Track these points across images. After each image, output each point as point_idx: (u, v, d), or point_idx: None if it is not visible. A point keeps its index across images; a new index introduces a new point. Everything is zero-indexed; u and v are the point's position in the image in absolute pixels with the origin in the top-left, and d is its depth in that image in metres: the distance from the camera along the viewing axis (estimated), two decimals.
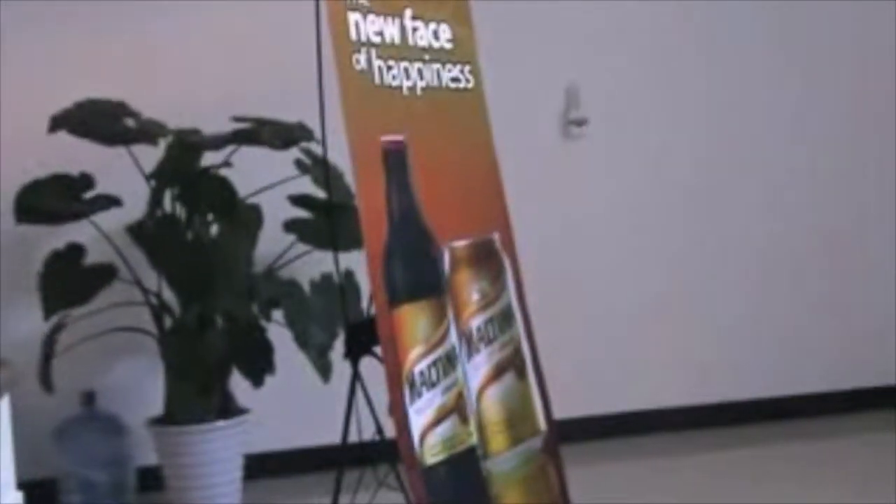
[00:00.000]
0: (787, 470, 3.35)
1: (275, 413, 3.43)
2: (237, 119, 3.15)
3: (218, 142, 3.10)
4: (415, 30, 2.57)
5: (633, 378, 3.84)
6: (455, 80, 2.68)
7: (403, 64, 2.53)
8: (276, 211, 3.20)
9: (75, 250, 3.12)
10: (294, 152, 3.16)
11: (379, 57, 2.46)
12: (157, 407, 3.21)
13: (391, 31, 2.50)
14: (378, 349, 2.40)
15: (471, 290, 2.53)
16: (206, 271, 3.06)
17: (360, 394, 2.63)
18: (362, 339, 2.58)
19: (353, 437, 2.66)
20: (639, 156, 3.87)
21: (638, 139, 3.87)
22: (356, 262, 2.75)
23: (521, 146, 3.56)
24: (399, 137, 2.45)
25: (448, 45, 2.67)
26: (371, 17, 2.45)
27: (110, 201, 3.11)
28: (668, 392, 3.85)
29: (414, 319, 2.37)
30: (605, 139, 3.83)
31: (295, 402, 3.49)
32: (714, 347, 3.90)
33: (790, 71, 3.92)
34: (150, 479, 3.27)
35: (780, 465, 3.41)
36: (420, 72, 2.57)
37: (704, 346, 3.89)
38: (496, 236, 2.66)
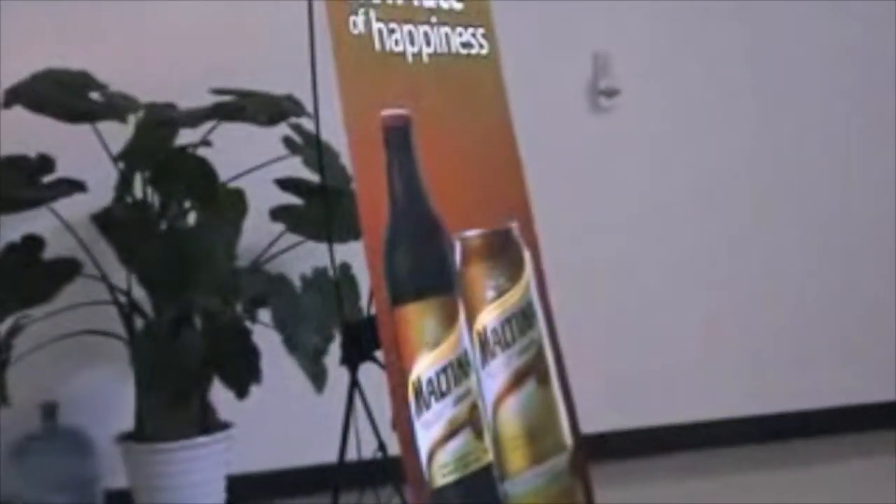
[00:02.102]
0: (849, 489, 3.35)
1: (262, 428, 3.44)
2: (217, 91, 3.16)
3: (195, 117, 3.11)
4: None
5: (673, 387, 3.84)
6: (466, 45, 2.68)
7: (407, 27, 2.53)
8: (263, 196, 3.21)
9: (33, 242, 3.13)
10: (282, 129, 3.17)
11: (379, 19, 2.47)
12: (127, 421, 3.23)
13: None
14: (379, 354, 2.41)
15: (486, 287, 2.53)
16: (182, 266, 3.07)
17: (359, 405, 2.64)
18: (361, 342, 2.58)
19: (351, 455, 2.67)
20: (680, 131, 3.87)
21: (678, 112, 3.87)
22: (354, 254, 2.76)
23: (543, 121, 3.57)
24: (402, 111, 2.45)
25: (458, 6, 2.67)
26: None
27: (73, 186, 3.12)
28: (713, 403, 3.85)
29: (420, 320, 2.37)
30: (639, 112, 3.83)
31: (284, 415, 3.50)
32: (768, 353, 3.90)
33: (847, 41, 3.91)
34: (120, 503, 3.29)
35: (841, 484, 3.41)
36: (426, 36, 2.57)
37: (757, 351, 3.89)
38: (514, 225, 2.66)
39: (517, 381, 2.54)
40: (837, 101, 3.93)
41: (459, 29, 2.66)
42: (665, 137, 3.87)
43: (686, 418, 3.85)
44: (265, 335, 3.10)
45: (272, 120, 3.12)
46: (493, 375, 2.50)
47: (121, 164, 3.19)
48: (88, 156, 3.15)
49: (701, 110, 3.89)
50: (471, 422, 2.39)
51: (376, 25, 2.46)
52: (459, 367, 2.40)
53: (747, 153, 3.92)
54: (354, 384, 2.63)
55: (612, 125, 3.84)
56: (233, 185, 3.23)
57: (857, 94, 3.93)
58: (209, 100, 3.13)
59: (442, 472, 2.31)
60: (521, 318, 2.58)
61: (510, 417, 2.51)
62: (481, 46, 2.71)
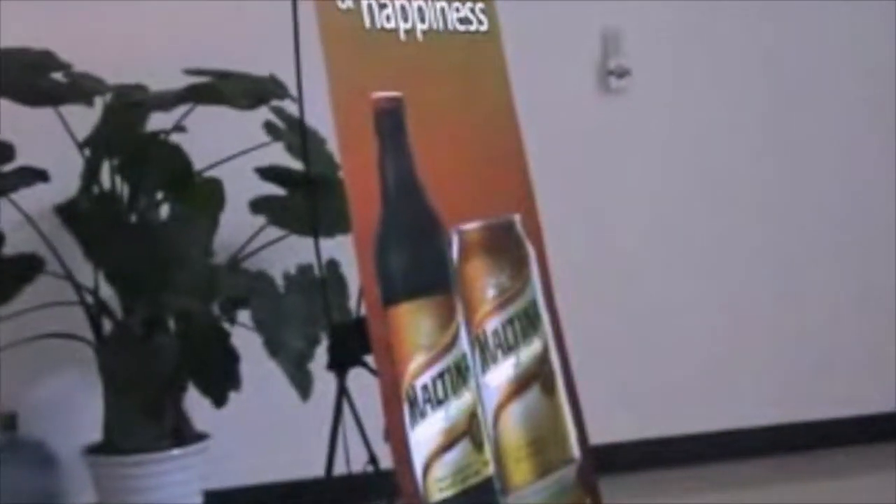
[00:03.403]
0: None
1: (242, 439, 3.44)
2: (192, 72, 3.16)
3: (168, 100, 3.10)
4: None
5: (689, 394, 3.84)
6: (464, 21, 2.68)
7: (400, 2, 2.53)
8: (242, 187, 3.21)
9: None
10: (263, 113, 3.16)
11: None
12: (94, 432, 3.23)
13: None
14: (370, 358, 2.41)
15: (486, 285, 2.54)
16: (154, 262, 3.07)
17: (347, 414, 2.64)
18: (350, 345, 2.58)
19: (339, 469, 2.67)
20: (696, 115, 3.87)
21: (694, 94, 3.87)
22: (342, 250, 2.76)
23: (548, 104, 3.57)
24: (395, 94, 2.45)
25: None
26: None
27: (34, 175, 3.11)
28: (733, 411, 3.86)
29: (415, 321, 2.38)
30: (652, 94, 3.83)
31: (266, 425, 3.50)
32: (791, 357, 3.90)
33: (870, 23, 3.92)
34: None
35: (869, 497, 3.41)
36: (420, 11, 2.57)
37: (780, 356, 3.90)
38: (517, 218, 2.66)
39: (520, 387, 2.54)
40: (861, 84, 3.93)
41: (457, 4, 2.66)
42: (680, 122, 3.87)
43: (703, 427, 3.85)
44: (245, 338, 3.10)
45: (252, 103, 3.12)
46: (494, 382, 2.50)
47: (87, 152, 3.19)
48: (51, 142, 3.14)
49: (718, 92, 3.89)
50: (470, 432, 2.40)
51: (366, 0, 2.46)
52: (457, 373, 2.40)
53: (769, 140, 3.92)
54: (343, 391, 2.63)
55: (623, 108, 3.84)
56: (209, 174, 3.23)
57: (882, 76, 3.93)
58: (183, 81, 3.13)
59: (438, 486, 2.32)
60: (525, 319, 2.59)
61: (513, 427, 2.51)
62: (480, 23, 2.71)
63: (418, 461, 2.31)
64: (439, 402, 2.36)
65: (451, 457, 2.35)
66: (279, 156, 3.17)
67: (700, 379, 3.85)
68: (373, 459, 2.66)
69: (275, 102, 3.16)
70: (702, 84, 3.88)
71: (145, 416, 3.15)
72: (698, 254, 3.89)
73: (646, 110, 3.85)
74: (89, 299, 3.21)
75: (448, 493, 2.33)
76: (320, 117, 2.60)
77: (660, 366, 3.83)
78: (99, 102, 3.15)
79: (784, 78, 3.92)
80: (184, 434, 3.21)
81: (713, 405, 3.87)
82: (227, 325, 3.16)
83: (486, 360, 2.50)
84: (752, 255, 3.91)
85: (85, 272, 3.19)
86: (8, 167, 3.14)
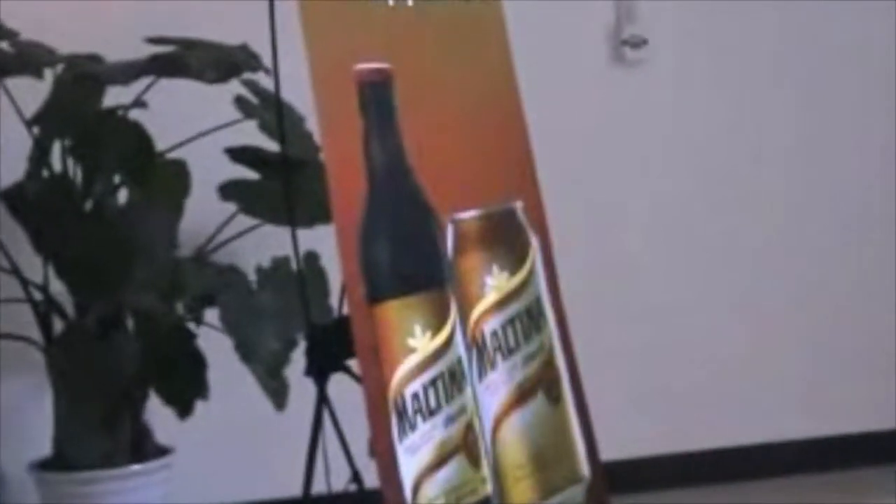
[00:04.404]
0: None
1: (209, 453, 3.45)
2: (154, 41, 3.16)
3: (127, 73, 3.11)
4: None
5: (712, 404, 3.85)
6: None
7: None
8: (210, 170, 3.22)
9: None
10: (234, 87, 3.17)
11: None
12: (43, 445, 3.24)
13: None
14: (353, 363, 2.42)
15: (484, 280, 2.55)
16: (111, 255, 3.07)
17: (328, 426, 2.64)
18: (331, 348, 2.59)
19: (318, 487, 2.67)
20: (718, 89, 3.87)
21: (716, 66, 3.87)
22: (322, 241, 2.77)
23: (554, 76, 3.57)
24: (382, 65, 2.46)
25: None
26: None
27: None
28: (761, 423, 3.87)
29: (404, 321, 2.39)
30: (671, 66, 3.83)
31: (237, 438, 3.51)
32: (825, 365, 3.91)
33: None
34: None
35: None
36: None
37: (812, 363, 3.90)
38: (519, 205, 2.67)
39: (522, 395, 2.55)
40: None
41: None
42: (701, 97, 3.87)
43: (728, 442, 3.86)
44: (213, 340, 3.10)
45: (222, 76, 3.11)
46: (493, 389, 2.51)
47: (35, 130, 3.19)
48: None
49: (746, 63, 3.89)
50: (465, 446, 2.41)
51: None
52: (452, 379, 2.41)
53: (802, 118, 3.92)
54: (322, 400, 2.64)
55: (638, 82, 3.84)
56: (173, 155, 3.23)
57: None
58: (144, 51, 3.13)
59: None
60: (527, 319, 2.59)
61: (514, 440, 2.52)
62: None
63: (407, 479, 2.32)
64: (431, 413, 2.37)
65: (444, 474, 2.36)
66: (252, 135, 3.17)
67: (724, 387, 3.86)
68: (356, 477, 2.67)
69: (247, 75, 3.16)
70: (727, 54, 3.88)
71: (101, 427, 3.15)
72: (721, 242, 3.88)
73: (664, 84, 3.85)
74: (38, 296, 3.21)
75: None
76: (298, 92, 2.61)
77: (680, 370, 3.83)
78: (49, 75, 3.14)
79: (820, 47, 3.92)
80: (144, 448, 3.22)
81: (740, 416, 3.87)
82: (192, 326, 3.17)
83: (484, 365, 2.50)
84: (780, 247, 3.91)
85: (33, 266, 3.20)
86: None
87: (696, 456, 3.84)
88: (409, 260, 2.44)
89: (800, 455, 3.87)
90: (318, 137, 2.59)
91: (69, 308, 3.21)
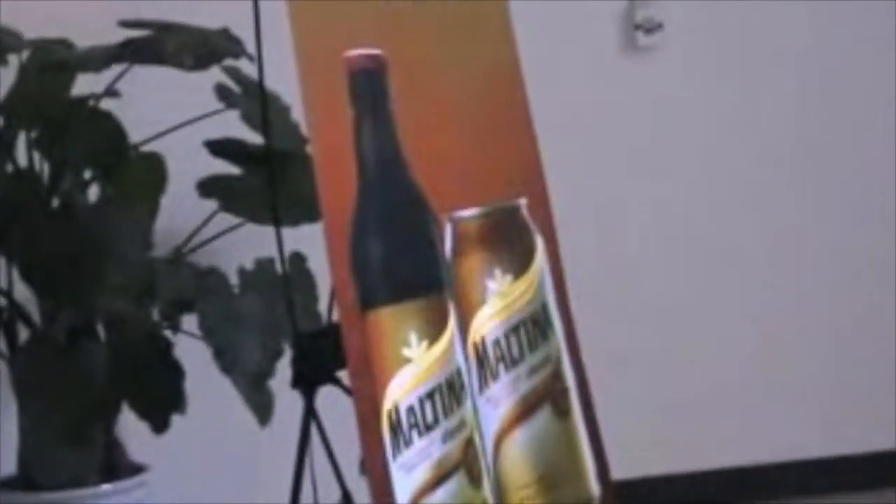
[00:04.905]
0: None
1: (187, 472, 3.45)
2: (128, 24, 3.16)
3: (99, 59, 3.11)
4: None
5: (733, 420, 3.86)
6: None
7: None
8: (188, 164, 3.22)
9: None
10: (215, 74, 3.16)
11: None
12: (7, 463, 3.23)
13: None
14: (344, 374, 2.41)
15: (485, 285, 2.54)
16: (81, 256, 3.07)
17: (316, 442, 2.64)
18: (320, 358, 2.59)
19: None
20: (738, 77, 3.88)
21: (736, 53, 3.87)
22: (310, 241, 2.76)
23: (562, 64, 3.57)
24: (375, 51, 2.45)
25: None
26: None
27: None
28: (785, 440, 3.87)
29: (399, 328, 2.38)
30: (687, 52, 3.84)
31: (217, 455, 3.51)
32: (854, 379, 3.91)
33: None
34: None
35: None
36: None
37: (840, 377, 3.90)
38: (523, 203, 2.66)
39: (527, 409, 2.55)
40: None
41: None
42: (719, 85, 3.88)
43: (750, 460, 3.86)
44: (191, 349, 3.10)
45: (201, 62, 3.12)
46: (495, 402, 2.50)
47: None
48: None
49: (766, 50, 3.89)
50: (465, 463, 2.40)
51: None
52: (450, 392, 2.41)
53: (825, 108, 3.92)
54: (310, 414, 2.63)
55: (653, 69, 3.84)
56: (148, 148, 3.23)
57: None
58: (117, 35, 3.13)
59: None
60: (532, 327, 2.59)
61: (517, 458, 2.51)
62: None
63: (402, 499, 2.32)
64: (428, 428, 2.36)
65: (441, 493, 2.35)
66: (233, 126, 3.17)
67: (745, 402, 3.86)
68: (346, 496, 2.66)
69: (228, 61, 3.16)
70: (748, 43, 3.88)
71: (69, 443, 3.15)
72: (739, 247, 3.89)
73: (680, 72, 3.85)
74: (1, 302, 3.21)
75: None
76: (283, 80, 2.60)
77: (696, 382, 3.83)
78: (14, 61, 3.14)
79: (849, 38, 3.92)
80: (116, 466, 3.21)
81: (759, 432, 3.87)
82: (169, 334, 3.16)
83: (486, 377, 2.50)
84: (806, 250, 3.92)
85: None
86: None
87: (712, 475, 3.85)
88: (404, 262, 2.44)
89: (820, 475, 3.88)
90: (305, 129, 2.58)
91: (35, 314, 3.20)
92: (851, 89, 3.92)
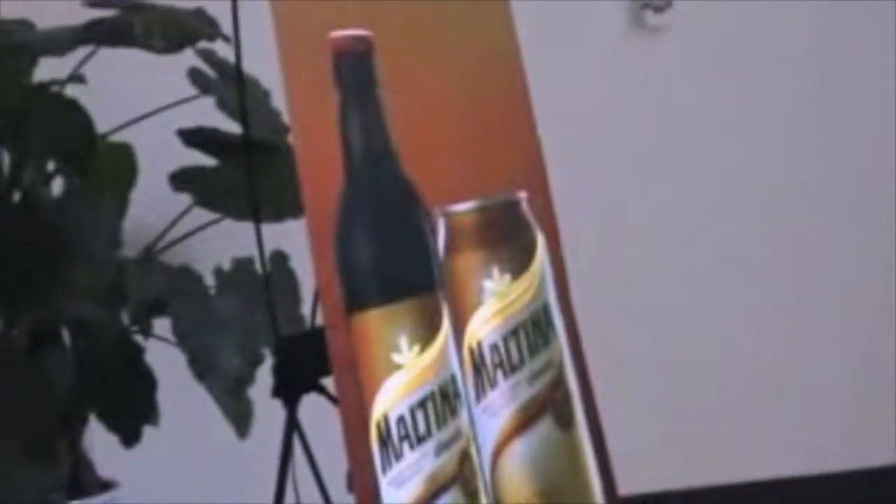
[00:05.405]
0: None
1: (160, 488, 3.45)
2: (94, 3, 3.16)
3: (62, 42, 3.10)
4: None
5: (751, 430, 3.86)
6: None
7: None
8: (160, 155, 3.22)
9: None
10: (188, 58, 3.16)
11: None
12: None
13: None
14: (329, 382, 2.41)
15: (482, 285, 2.54)
16: (43, 255, 3.07)
17: (299, 455, 2.64)
18: (303, 365, 2.58)
19: None
20: (754, 60, 3.89)
21: (752, 35, 3.88)
22: (292, 238, 2.76)
23: (565, 45, 3.57)
24: (361, 32, 2.45)
25: None
26: None
27: None
28: (806, 452, 3.88)
29: (388, 332, 2.38)
30: (699, 33, 3.84)
31: (192, 470, 3.51)
32: (878, 387, 3.92)
33: None
34: None
35: None
36: None
37: (863, 384, 3.92)
38: (523, 196, 2.66)
39: (527, 419, 2.54)
40: None
41: None
42: (733, 69, 3.89)
43: (769, 473, 3.87)
44: (164, 356, 3.10)
45: (173, 45, 3.11)
46: (493, 412, 2.50)
47: None
48: None
49: (783, 29, 3.90)
50: (461, 478, 2.40)
51: None
52: (444, 401, 2.40)
53: (838, 91, 3.94)
54: (292, 425, 2.63)
55: (662, 51, 3.85)
56: (116, 138, 3.23)
57: None
58: (82, 16, 3.13)
59: None
60: (533, 330, 2.58)
61: (517, 472, 2.51)
62: None
63: None
64: (420, 440, 2.36)
65: None
66: (209, 114, 3.17)
67: (764, 410, 3.87)
68: None
69: (203, 44, 3.16)
70: (762, 20, 3.89)
71: (32, 460, 3.15)
72: (760, 241, 3.90)
73: (691, 53, 3.86)
74: None
75: None
76: (263, 63, 2.60)
77: (713, 393, 3.84)
78: None
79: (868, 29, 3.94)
80: (83, 482, 3.22)
81: (779, 445, 3.88)
82: (139, 339, 3.16)
83: (483, 384, 2.49)
84: (827, 246, 3.93)
85: None
86: None
87: (728, 490, 3.86)
88: (394, 260, 2.43)
89: (846, 488, 3.89)
90: (286, 117, 2.58)
91: None
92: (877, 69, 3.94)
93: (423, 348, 2.39)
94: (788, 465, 3.79)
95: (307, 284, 2.84)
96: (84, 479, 3.22)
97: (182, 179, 3.21)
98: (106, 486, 3.24)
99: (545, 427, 2.57)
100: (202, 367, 2.99)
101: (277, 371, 2.67)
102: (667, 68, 3.79)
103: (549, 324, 2.62)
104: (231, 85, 2.99)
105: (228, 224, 3.17)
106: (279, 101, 2.82)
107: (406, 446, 2.34)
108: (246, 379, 3.00)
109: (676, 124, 3.80)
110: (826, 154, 3.84)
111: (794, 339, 3.83)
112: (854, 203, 3.86)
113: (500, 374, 2.52)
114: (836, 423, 3.82)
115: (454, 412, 2.42)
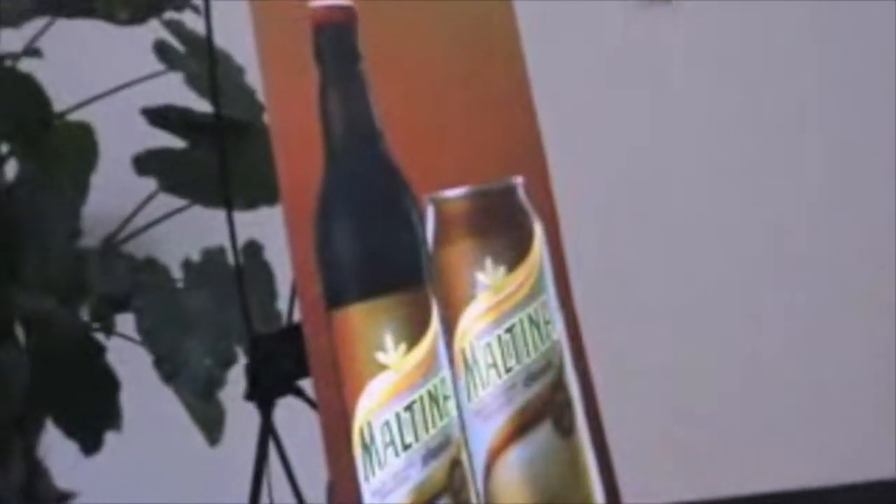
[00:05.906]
0: None
1: (122, 500, 3.44)
2: None
3: (17, 12, 3.10)
4: None
5: (766, 437, 3.87)
6: None
7: None
8: (123, 136, 3.21)
9: None
10: (154, 29, 3.16)
11: None
12: None
13: None
14: (307, 384, 2.40)
15: (474, 278, 2.53)
16: None
17: (275, 462, 2.63)
18: (279, 365, 2.58)
19: None
20: (766, 45, 3.90)
21: (766, 17, 3.89)
22: (267, 227, 2.76)
23: (565, 22, 3.58)
24: (343, 2, 2.44)
25: None
26: None
27: None
28: (822, 463, 3.90)
29: (372, 330, 2.37)
30: (709, 15, 3.85)
31: (158, 479, 3.51)
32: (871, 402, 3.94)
33: None
34: None
35: None
36: None
37: (881, 392, 3.93)
38: (520, 182, 2.66)
39: (524, 425, 2.54)
40: None
41: None
42: (746, 54, 3.90)
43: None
44: (127, 355, 3.10)
45: (137, 15, 3.11)
46: (487, 416, 2.50)
47: None
48: None
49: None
50: (451, 488, 2.39)
51: None
52: (433, 403, 2.40)
53: (862, 86, 3.95)
54: (267, 431, 2.63)
55: (668, 35, 3.86)
56: (75, 117, 3.22)
57: None
58: None
59: None
60: (530, 327, 2.58)
61: (513, 481, 2.51)
62: None
63: None
64: (406, 446, 2.35)
65: None
66: (177, 91, 3.17)
67: (779, 416, 3.88)
68: None
69: (170, 14, 3.15)
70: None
71: None
72: (774, 236, 3.91)
73: (700, 32, 3.87)
74: None
75: None
76: (235, 36, 2.59)
77: (725, 399, 3.85)
78: None
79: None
80: (38, 492, 3.21)
81: (795, 454, 3.89)
82: (101, 336, 3.16)
83: (475, 386, 2.49)
84: (847, 248, 3.94)
85: None
86: None
87: (741, 502, 3.87)
88: (379, 252, 2.43)
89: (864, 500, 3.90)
90: (261, 95, 2.57)
91: None
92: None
93: (411, 347, 2.38)
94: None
95: (283, 277, 2.83)
96: (39, 488, 3.22)
97: (147, 162, 3.21)
98: (63, 496, 3.25)
99: (543, 433, 2.56)
100: (170, 368, 2.99)
101: (251, 372, 2.66)
102: (672, 46, 3.80)
103: (548, 320, 2.61)
104: (201, 59, 2.99)
105: (197, 211, 3.17)
106: (254, 77, 2.82)
107: (391, 453, 2.33)
108: (217, 381, 3.01)
109: (684, 103, 3.80)
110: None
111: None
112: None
113: (493, 374, 2.51)
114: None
115: (444, 417, 2.41)
